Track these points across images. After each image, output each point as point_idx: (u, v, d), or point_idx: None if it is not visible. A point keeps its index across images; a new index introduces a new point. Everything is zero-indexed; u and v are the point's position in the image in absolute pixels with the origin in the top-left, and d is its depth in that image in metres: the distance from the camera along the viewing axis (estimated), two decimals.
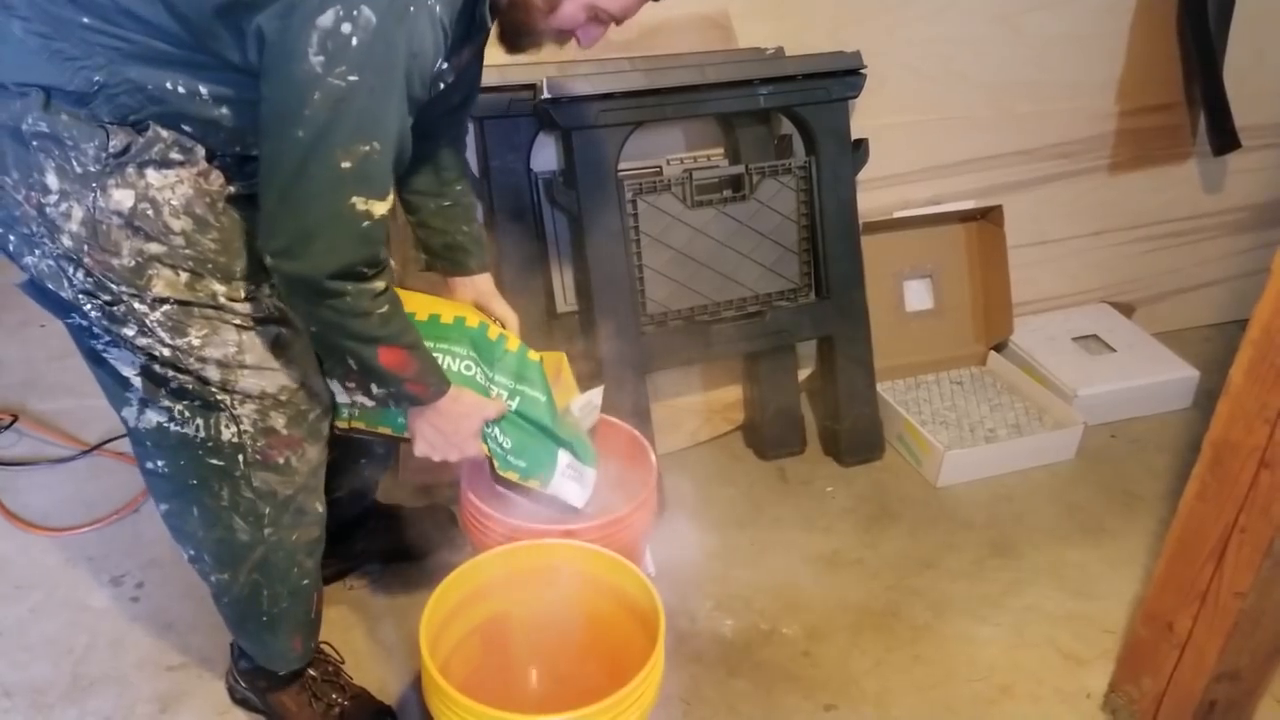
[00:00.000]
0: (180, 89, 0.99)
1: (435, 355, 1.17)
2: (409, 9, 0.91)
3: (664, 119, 1.73)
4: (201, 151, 1.04)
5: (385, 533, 1.60)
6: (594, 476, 1.31)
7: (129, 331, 1.05)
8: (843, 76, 1.77)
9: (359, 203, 0.96)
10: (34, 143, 0.98)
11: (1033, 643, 1.53)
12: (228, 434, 1.11)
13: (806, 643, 1.52)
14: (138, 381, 1.08)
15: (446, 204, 1.33)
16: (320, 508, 1.22)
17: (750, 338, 1.83)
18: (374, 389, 1.12)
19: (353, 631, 1.51)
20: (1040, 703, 1.43)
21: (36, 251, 1.03)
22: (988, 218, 2.06)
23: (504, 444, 1.25)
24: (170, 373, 1.07)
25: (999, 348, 2.14)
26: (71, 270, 1.03)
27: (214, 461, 1.12)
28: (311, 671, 1.34)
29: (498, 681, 1.26)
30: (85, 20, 0.96)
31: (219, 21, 0.94)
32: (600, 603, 1.23)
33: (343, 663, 1.40)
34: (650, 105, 1.67)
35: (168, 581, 1.60)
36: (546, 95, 1.58)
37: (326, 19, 0.89)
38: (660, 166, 1.80)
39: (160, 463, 1.14)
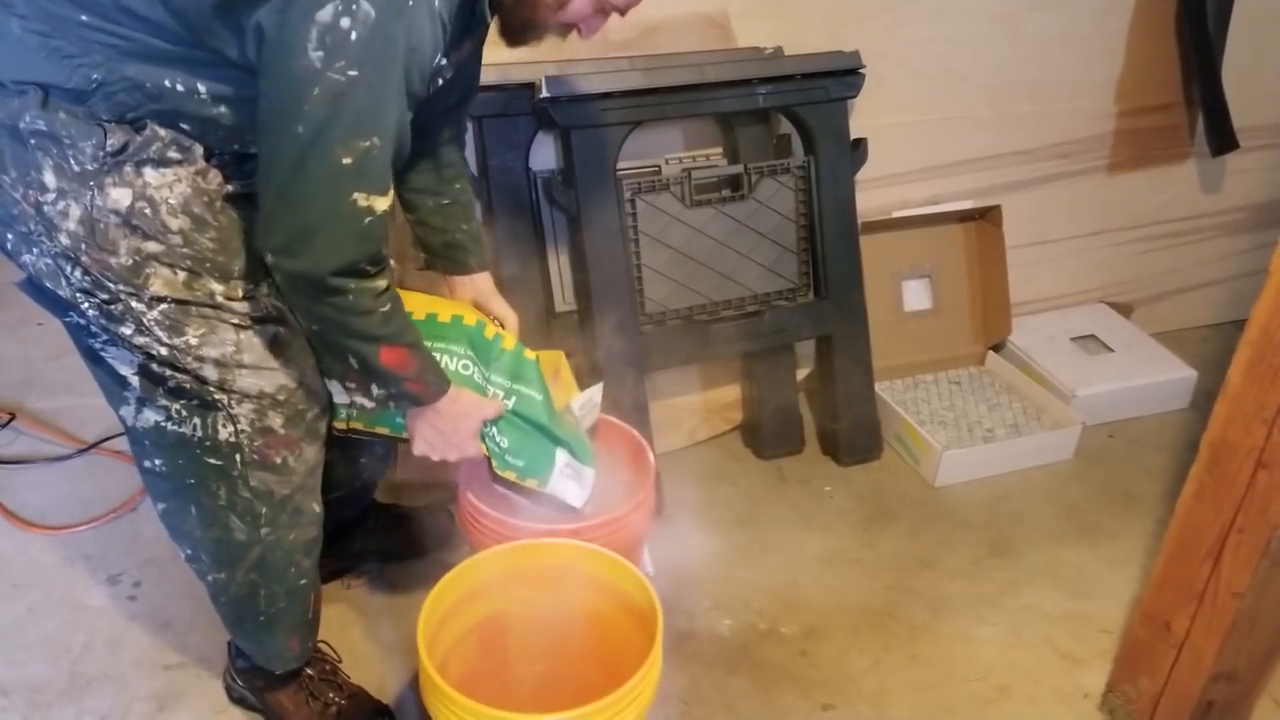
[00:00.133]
0: (179, 87, 0.99)
1: (434, 354, 1.17)
2: (408, 3, 0.91)
3: (663, 118, 1.73)
4: (199, 150, 1.04)
5: (383, 532, 1.60)
6: (592, 476, 1.31)
7: (126, 330, 1.05)
8: (842, 76, 1.77)
9: (360, 198, 0.96)
10: (32, 141, 0.98)
11: (1030, 643, 1.53)
12: (225, 433, 1.10)
13: (804, 642, 1.52)
14: (135, 380, 1.08)
15: (445, 202, 1.32)
16: (318, 508, 1.22)
17: (749, 337, 1.83)
18: (374, 390, 1.12)
19: (350, 630, 1.51)
20: (1038, 702, 1.44)
21: (34, 250, 1.03)
22: (986, 218, 2.06)
23: (501, 443, 1.25)
24: (168, 372, 1.07)
25: (997, 348, 2.14)
26: (69, 269, 1.03)
27: (211, 461, 1.12)
28: (309, 670, 1.34)
29: (495, 681, 1.25)
30: (84, 18, 0.95)
31: (217, 18, 0.94)
32: (598, 602, 1.23)
33: (340, 661, 1.40)
34: (649, 104, 1.67)
35: (165, 580, 1.60)
36: (545, 94, 1.58)
37: (325, 14, 0.88)
38: (659, 166, 1.79)
39: (158, 461, 1.14)
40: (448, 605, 1.18)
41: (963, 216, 2.07)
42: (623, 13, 1.09)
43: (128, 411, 1.11)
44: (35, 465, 1.85)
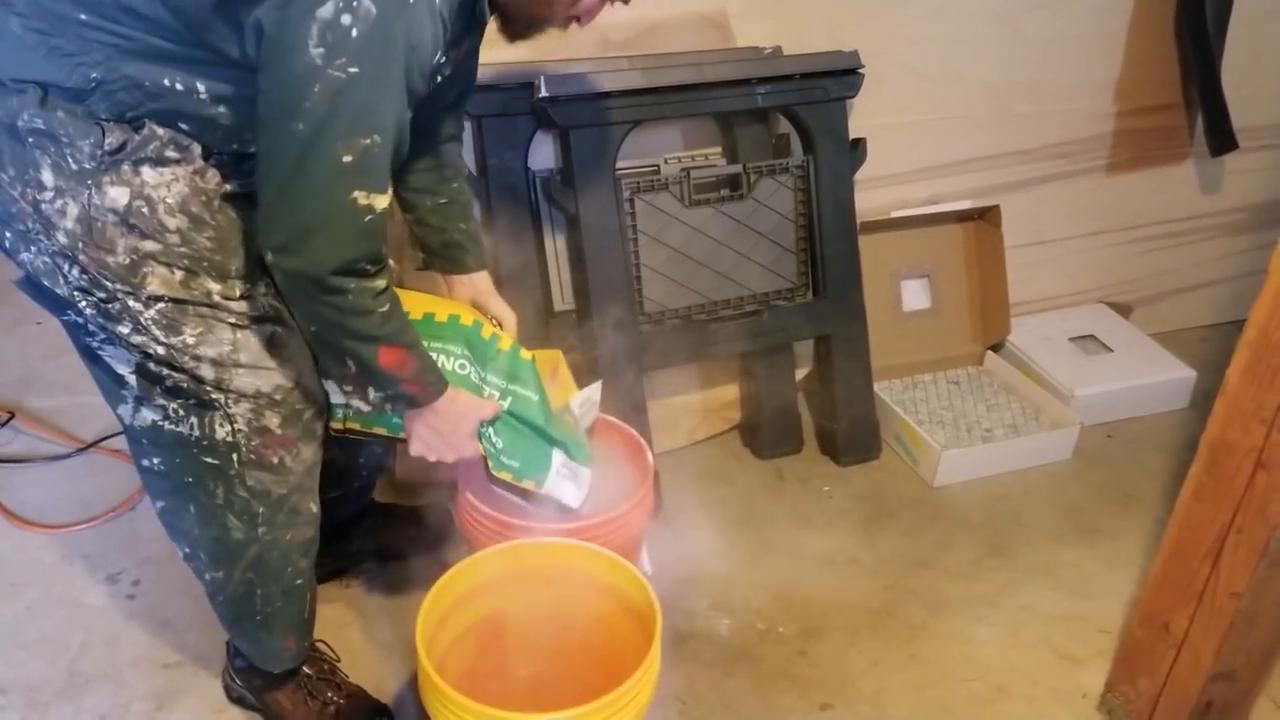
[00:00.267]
0: (178, 86, 0.99)
1: (431, 354, 1.17)
2: (408, 1, 0.91)
3: (662, 118, 1.73)
4: (198, 149, 1.04)
5: (382, 531, 1.60)
6: (589, 476, 1.31)
7: (124, 329, 1.05)
8: (841, 76, 1.77)
9: (360, 196, 0.96)
10: (30, 139, 0.98)
11: (1029, 643, 1.53)
12: (222, 433, 1.10)
13: (803, 642, 1.52)
14: (133, 379, 1.08)
15: (443, 201, 1.32)
16: (314, 508, 1.22)
17: (748, 337, 1.83)
18: (371, 392, 1.12)
19: (348, 630, 1.51)
20: (1036, 702, 1.44)
21: (32, 248, 1.03)
22: (985, 218, 2.06)
23: (497, 444, 1.25)
24: (165, 371, 1.07)
25: (996, 348, 2.14)
26: (67, 267, 1.03)
27: (209, 460, 1.12)
28: (307, 670, 1.34)
29: (493, 680, 1.25)
30: (83, 16, 0.95)
31: (217, 16, 0.94)
32: (597, 602, 1.23)
33: (339, 661, 1.40)
34: (648, 104, 1.66)
35: (164, 579, 1.60)
36: (544, 93, 1.58)
37: (326, 10, 0.88)
38: (658, 165, 1.79)
39: (156, 460, 1.13)
40: (446, 605, 1.18)
41: (962, 216, 2.07)
42: (626, 0, 1.08)
43: (125, 410, 1.11)
44: (34, 464, 1.85)
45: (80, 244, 1.01)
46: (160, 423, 1.10)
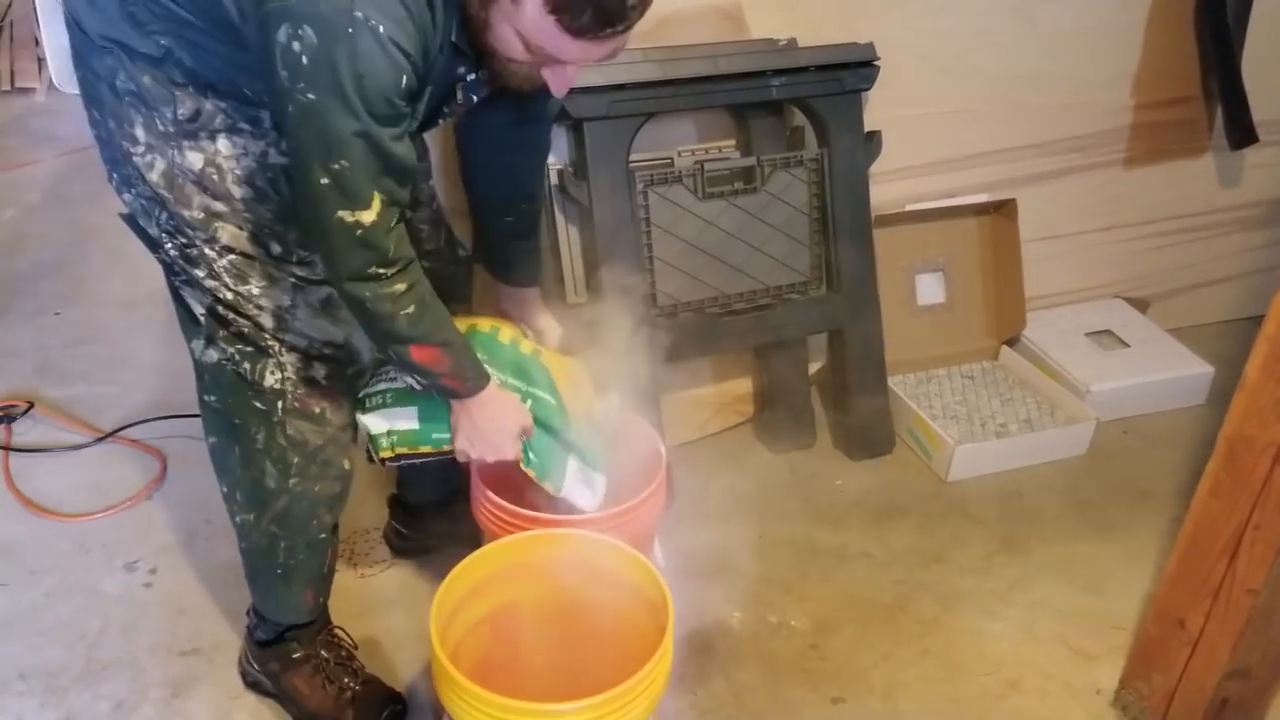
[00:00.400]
0: (234, 60, 1.03)
1: (473, 349, 1.20)
2: (347, 30, 0.91)
3: (676, 110, 1.73)
4: (268, 120, 1.09)
5: (467, 518, 1.61)
6: (603, 482, 1.32)
7: (200, 273, 1.14)
8: (856, 68, 1.76)
9: (345, 216, 1.00)
10: (126, 99, 1.07)
11: (1042, 638, 1.53)
12: (271, 380, 1.18)
13: (815, 635, 1.52)
14: (204, 319, 1.16)
15: (509, 219, 1.36)
16: (347, 465, 1.27)
17: (761, 330, 1.82)
18: (416, 378, 1.17)
19: (364, 619, 1.52)
20: (1049, 698, 1.43)
21: (132, 190, 1.13)
22: (1001, 211, 2.05)
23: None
24: (231, 315, 1.15)
25: (1011, 342, 2.13)
26: (157, 211, 1.12)
27: (257, 404, 1.18)
28: (324, 654, 1.36)
29: (506, 670, 1.26)
30: None
31: (230, 29, 1.00)
32: (609, 593, 1.23)
33: (356, 648, 1.41)
34: (662, 96, 1.66)
35: (180, 568, 1.61)
36: (570, 89, 1.58)
37: (282, 35, 0.91)
38: (672, 158, 1.79)
39: (214, 397, 1.21)
40: (459, 595, 1.19)
41: (977, 210, 2.06)
42: (562, 61, 1.01)
43: (197, 345, 1.19)
44: (52, 453, 1.87)
45: (165, 195, 1.10)
46: (223, 362, 1.17)
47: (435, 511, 1.59)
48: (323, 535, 1.28)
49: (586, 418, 1.33)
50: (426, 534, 1.61)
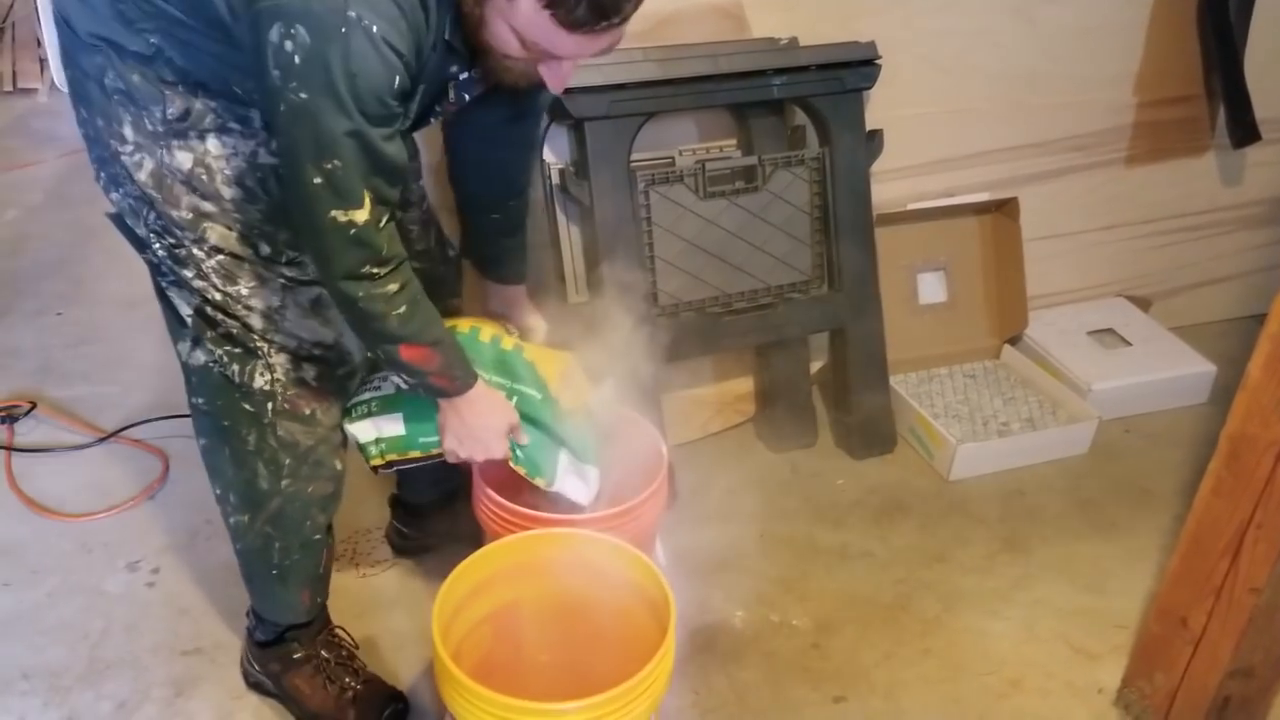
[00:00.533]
0: (224, 59, 1.03)
1: (461, 348, 1.19)
2: (340, 30, 0.91)
3: (677, 109, 1.73)
4: (258, 119, 1.08)
5: (468, 517, 1.61)
6: (596, 474, 1.32)
7: (188, 273, 1.13)
8: (857, 67, 1.76)
9: (339, 215, 0.99)
10: (115, 97, 1.06)
11: (1043, 637, 1.53)
12: (260, 381, 1.17)
13: (816, 634, 1.52)
14: (192, 320, 1.16)
15: (496, 217, 1.36)
16: (339, 465, 1.27)
17: (762, 330, 1.82)
18: (405, 377, 1.16)
19: (366, 618, 1.52)
20: (1050, 697, 1.43)
21: (120, 189, 1.12)
22: (1002, 210, 2.05)
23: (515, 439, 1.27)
24: (220, 316, 1.15)
25: (1013, 341, 2.13)
26: (145, 211, 1.11)
27: (246, 406, 1.18)
28: (325, 654, 1.36)
29: (508, 669, 1.26)
30: None
31: (221, 28, 1.00)
32: (611, 592, 1.23)
33: (357, 648, 1.41)
34: (663, 96, 1.66)
35: (182, 567, 1.62)
36: (567, 85, 1.58)
37: (274, 34, 0.91)
38: (673, 157, 1.79)
39: (202, 399, 1.20)
40: (461, 594, 1.19)
41: (979, 209, 2.06)
42: (558, 56, 1.01)
43: (183, 348, 1.19)
44: (54, 453, 1.87)
45: (153, 195, 1.09)
46: (210, 364, 1.17)
47: (436, 511, 1.60)
48: (317, 536, 1.28)
49: (577, 410, 1.33)
50: (428, 533, 1.61)
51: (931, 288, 2.09)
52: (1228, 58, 2.05)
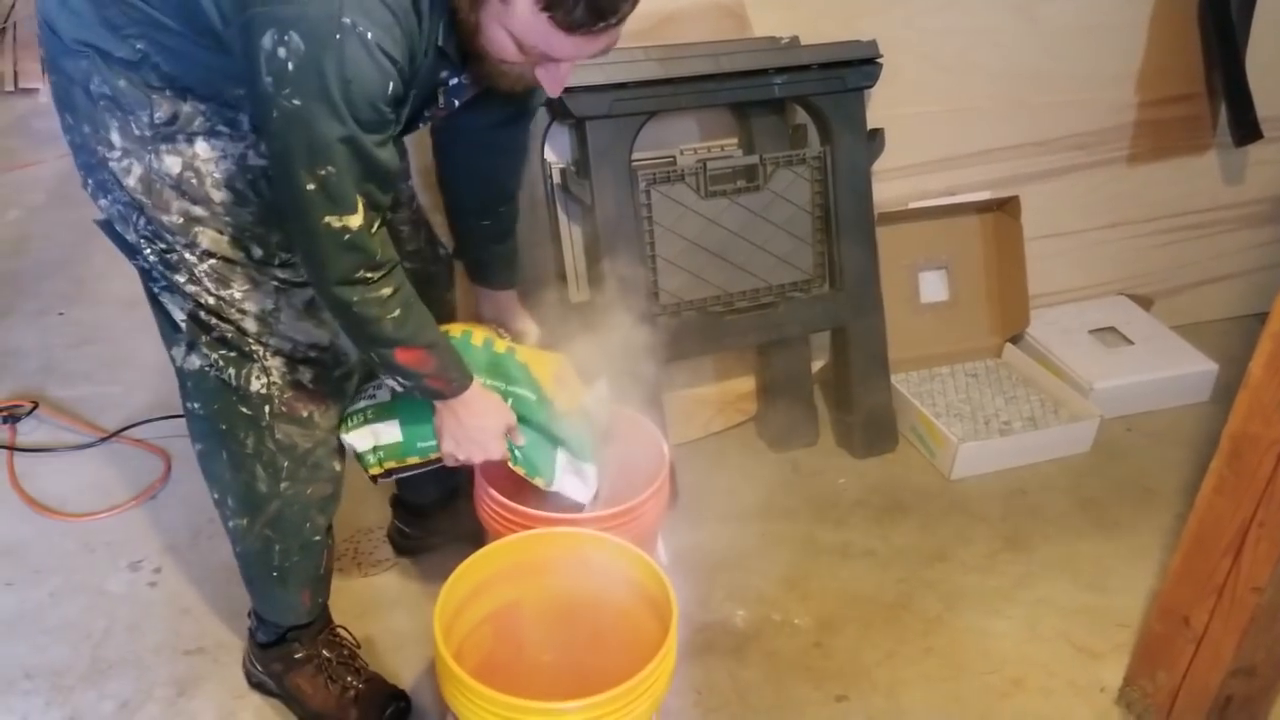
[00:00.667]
0: (211, 63, 1.03)
1: (455, 350, 1.19)
2: (335, 36, 0.91)
3: (678, 108, 1.73)
4: (246, 122, 1.08)
5: (470, 516, 1.61)
6: (595, 472, 1.32)
7: (180, 278, 1.12)
8: (859, 66, 1.76)
9: (333, 221, 0.99)
10: (100, 102, 1.05)
11: (1046, 636, 1.53)
12: (257, 385, 1.16)
13: (818, 633, 1.52)
14: (185, 325, 1.15)
15: (485, 222, 1.35)
16: (337, 467, 1.26)
17: (763, 329, 1.82)
18: (400, 380, 1.16)
19: (367, 618, 1.52)
20: (1053, 696, 1.43)
21: (109, 196, 1.11)
22: (1004, 209, 2.05)
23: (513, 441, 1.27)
24: (213, 320, 1.14)
25: (1015, 340, 2.13)
26: (134, 217, 1.11)
27: (243, 410, 1.17)
28: (326, 654, 1.36)
29: (510, 669, 1.26)
30: None
31: (210, 34, 0.99)
32: (613, 592, 1.23)
33: (359, 647, 1.42)
34: (664, 95, 1.66)
35: (185, 567, 1.62)
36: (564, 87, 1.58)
37: (266, 41, 0.91)
38: (674, 156, 1.79)
39: (197, 404, 1.20)
40: (463, 594, 1.19)
41: (980, 207, 2.06)
42: (555, 58, 1.01)
43: (177, 353, 1.18)
44: (57, 453, 1.87)
45: (143, 200, 1.08)
46: (205, 369, 1.16)
47: (438, 510, 1.60)
48: (317, 538, 1.28)
49: (572, 409, 1.32)
50: (429, 533, 1.61)
51: (933, 286, 2.08)
52: (1229, 56, 2.04)
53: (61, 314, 2.27)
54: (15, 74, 3.36)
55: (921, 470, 1.89)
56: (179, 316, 1.15)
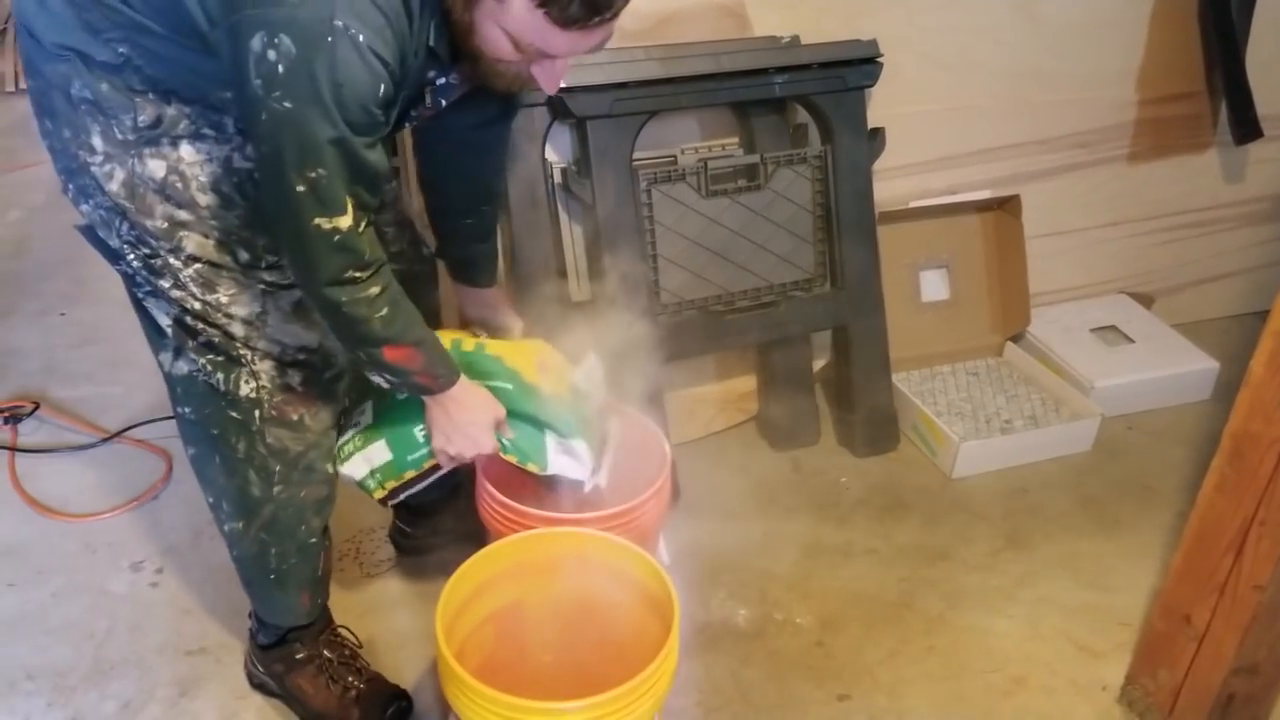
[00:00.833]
0: (195, 66, 1.02)
1: (442, 346, 1.19)
2: (326, 39, 0.90)
3: (679, 108, 1.73)
4: (231, 124, 1.07)
5: (472, 515, 1.62)
6: (585, 447, 1.30)
7: (165, 284, 1.11)
8: (859, 65, 1.76)
9: (323, 222, 0.99)
10: (81, 107, 1.04)
11: (1047, 635, 1.53)
12: (246, 389, 1.16)
13: (820, 633, 1.52)
14: (171, 331, 1.14)
15: (468, 221, 1.35)
16: (330, 469, 1.26)
17: (765, 328, 1.82)
18: (388, 378, 1.15)
19: (369, 617, 1.52)
20: (1055, 694, 1.43)
21: (90, 201, 1.10)
22: (1004, 208, 2.05)
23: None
24: (200, 325, 1.13)
25: (1016, 338, 2.13)
26: (117, 222, 1.09)
27: (234, 414, 1.17)
28: (327, 654, 1.36)
29: (511, 668, 1.26)
30: None
31: (195, 36, 0.98)
32: (615, 591, 1.23)
33: (360, 647, 1.42)
34: (665, 94, 1.66)
35: (186, 568, 1.62)
36: (560, 84, 1.58)
37: (256, 43, 0.90)
38: (675, 156, 1.79)
39: (188, 409, 1.19)
40: (465, 594, 1.19)
41: (981, 206, 2.06)
42: (551, 55, 1.02)
43: (165, 358, 1.17)
44: (58, 454, 1.87)
45: (126, 205, 1.07)
46: (194, 373, 1.16)
47: (439, 510, 1.60)
48: (313, 540, 1.28)
49: (561, 390, 1.32)
50: (431, 533, 1.61)
51: (934, 285, 2.08)
52: (1230, 54, 2.04)
53: (63, 314, 2.27)
54: (16, 74, 3.36)
55: (923, 469, 1.89)
56: (164, 322, 1.14)
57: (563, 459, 1.30)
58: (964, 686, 1.44)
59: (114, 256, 1.13)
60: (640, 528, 1.30)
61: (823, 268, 1.85)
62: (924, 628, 1.53)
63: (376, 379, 1.17)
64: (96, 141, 1.05)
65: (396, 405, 1.27)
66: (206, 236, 1.10)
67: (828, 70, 1.75)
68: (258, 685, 1.41)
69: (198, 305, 1.12)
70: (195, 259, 1.10)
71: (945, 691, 1.43)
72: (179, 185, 1.07)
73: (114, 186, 1.07)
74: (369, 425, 1.28)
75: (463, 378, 1.20)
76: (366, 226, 1.03)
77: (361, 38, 0.92)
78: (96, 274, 2.37)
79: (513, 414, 1.27)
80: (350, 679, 1.35)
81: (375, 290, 1.05)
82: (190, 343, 1.14)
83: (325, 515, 1.29)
